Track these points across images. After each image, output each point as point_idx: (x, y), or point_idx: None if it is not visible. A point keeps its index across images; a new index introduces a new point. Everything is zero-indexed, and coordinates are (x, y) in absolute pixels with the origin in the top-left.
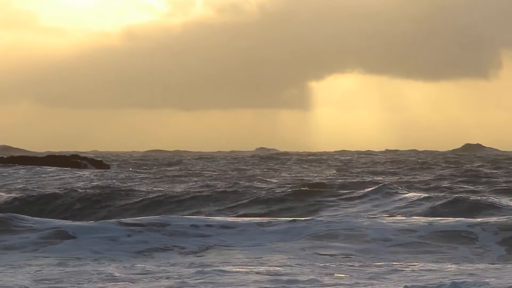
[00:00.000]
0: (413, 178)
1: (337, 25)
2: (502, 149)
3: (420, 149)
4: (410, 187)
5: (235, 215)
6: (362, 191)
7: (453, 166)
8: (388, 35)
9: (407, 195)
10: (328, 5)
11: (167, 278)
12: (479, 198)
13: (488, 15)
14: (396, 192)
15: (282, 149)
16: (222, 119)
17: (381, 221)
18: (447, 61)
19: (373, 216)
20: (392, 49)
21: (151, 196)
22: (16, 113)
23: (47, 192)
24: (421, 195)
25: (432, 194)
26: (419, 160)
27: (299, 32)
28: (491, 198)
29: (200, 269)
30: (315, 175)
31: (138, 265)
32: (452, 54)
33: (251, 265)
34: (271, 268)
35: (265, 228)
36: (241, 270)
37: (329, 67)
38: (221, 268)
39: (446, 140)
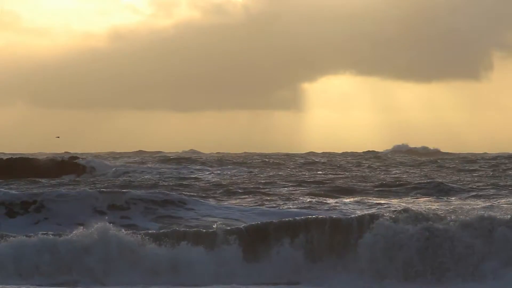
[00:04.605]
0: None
1: (326, 26)
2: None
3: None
4: None
5: None
6: None
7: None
8: (380, 36)
9: None
10: (314, 6)
11: None
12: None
13: (480, 16)
14: None
15: (271, 150)
16: (216, 120)
17: None
18: (438, 62)
19: None
20: (384, 50)
21: None
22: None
23: None
24: None
25: None
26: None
27: (288, 34)
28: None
29: None
30: None
31: None
32: (444, 55)
33: None
34: None
35: None
36: None
37: (321, 69)
38: None
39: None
